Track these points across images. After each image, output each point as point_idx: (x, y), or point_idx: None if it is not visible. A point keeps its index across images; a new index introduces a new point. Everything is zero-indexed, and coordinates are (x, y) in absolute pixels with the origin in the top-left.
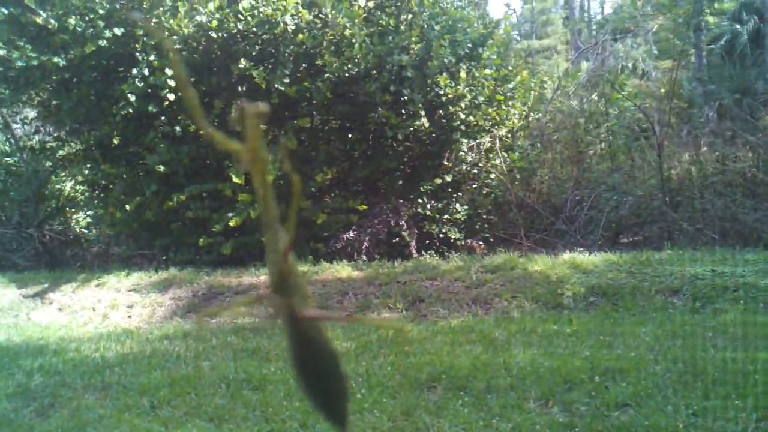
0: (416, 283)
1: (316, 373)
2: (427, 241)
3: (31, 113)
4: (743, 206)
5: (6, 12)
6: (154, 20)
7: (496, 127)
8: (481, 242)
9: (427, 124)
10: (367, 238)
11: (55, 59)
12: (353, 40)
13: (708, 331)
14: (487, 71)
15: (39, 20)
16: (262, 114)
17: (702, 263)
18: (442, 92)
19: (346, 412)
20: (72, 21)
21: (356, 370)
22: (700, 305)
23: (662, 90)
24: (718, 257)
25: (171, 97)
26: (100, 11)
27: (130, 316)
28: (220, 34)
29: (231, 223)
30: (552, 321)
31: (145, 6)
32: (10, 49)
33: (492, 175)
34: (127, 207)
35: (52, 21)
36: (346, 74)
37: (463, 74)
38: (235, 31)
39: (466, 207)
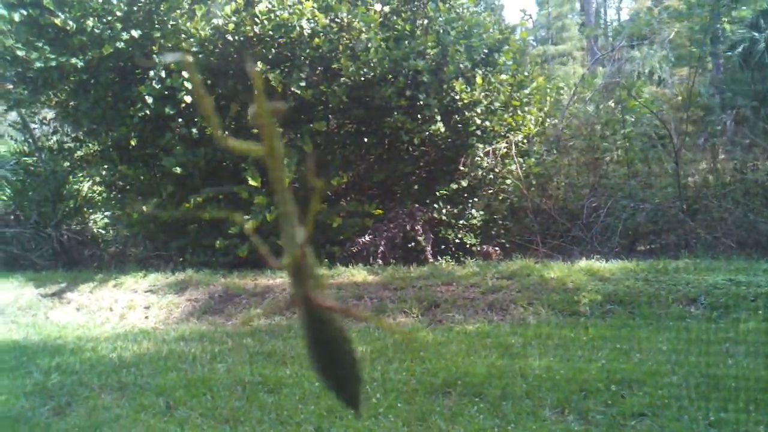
0: (432, 288)
1: (329, 355)
2: (443, 246)
3: (50, 114)
4: (761, 215)
5: (25, 13)
6: (171, 23)
7: (512, 132)
8: (496, 248)
9: (442, 129)
10: (382, 243)
11: (73, 60)
12: (369, 45)
13: (725, 341)
14: (503, 77)
15: (58, 22)
16: (278, 112)
17: (719, 272)
18: (457, 97)
19: (358, 394)
20: (90, 23)
21: (371, 374)
22: (718, 315)
23: (679, 97)
24: (736, 266)
25: (188, 99)
26: (118, 13)
27: (146, 317)
28: (236, 37)
29: (247, 226)
30: (568, 328)
31: (162, 9)
32: (29, 50)
33: (508, 181)
34: (144, 208)
35: (71, 22)
36: (362, 78)
37: (479, 79)
38: (251, 34)
39: (481, 212)
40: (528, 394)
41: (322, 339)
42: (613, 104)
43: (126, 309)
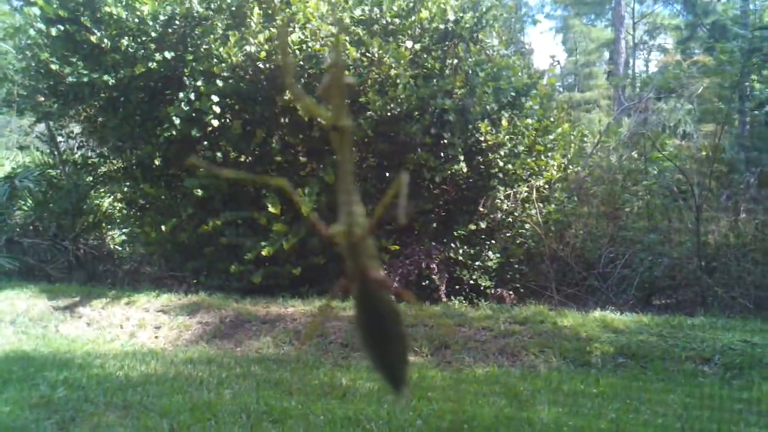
0: (443, 329)
1: (379, 332)
2: (457, 287)
3: (77, 128)
4: None
5: (62, 29)
6: (204, 47)
7: (533, 177)
8: (511, 292)
9: (465, 169)
10: (397, 279)
11: (105, 77)
12: (398, 81)
13: (738, 403)
14: (529, 121)
15: (93, 39)
16: (349, 85)
17: (735, 332)
18: (482, 138)
19: (405, 373)
20: (125, 41)
21: (377, 412)
22: (731, 376)
23: (703, 152)
24: (752, 327)
25: (215, 123)
26: (153, 34)
27: (156, 337)
28: (267, 65)
29: (263, 252)
30: (579, 379)
31: (196, 32)
32: (63, 64)
33: (527, 225)
34: (163, 228)
35: (106, 40)
36: (389, 114)
37: (504, 122)
38: (282, 63)
39: (498, 255)
40: None
41: (375, 315)
42: (636, 155)
43: (136, 327)
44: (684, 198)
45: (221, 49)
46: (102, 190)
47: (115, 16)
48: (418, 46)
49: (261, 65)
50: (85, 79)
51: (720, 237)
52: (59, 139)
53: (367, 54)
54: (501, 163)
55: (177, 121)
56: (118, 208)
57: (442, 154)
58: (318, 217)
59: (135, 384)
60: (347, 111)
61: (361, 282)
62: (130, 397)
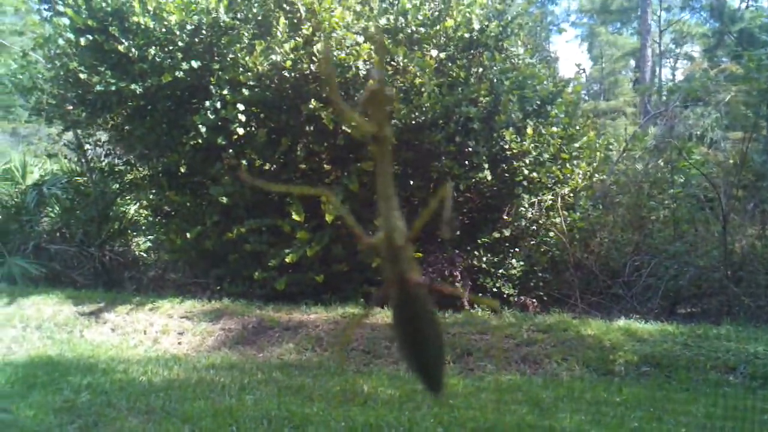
0: (466, 336)
1: (418, 334)
2: (480, 294)
3: (104, 136)
4: None
5: (91, 38)
6: (230, 56)
7: (558, 185)
8: (534, 300)
9: (489, 177)
10: None
11: (133, 86)
12: (423, 89)
13: (763, 413)
14: (554, 129)
15: (121, 48)
16: (390, 97)
17: (762, 342)
18: (507, 147)
19: (442, 376)
20: (152, 51)
21: (399, 418)
22: (758, 385)
23: (731, 161)
24: None
25: (240, 131)
26: (180, 44)
27: (180, 343)
28: (293, 74)
29: (287, 260)
30: (602, 387)
31: (222, 42)
32: (91, 73)
33: (551, 233)
34: (188, 235)
35: (134, 50)
36: (413, 122)
37: (529, 130)
38: (307, 72)
39: (522, 263)
40: None
41: (413, 317)
42: (662, 163)
43: (160, 333)
44: (711, 207)
45: (247, 58)
46: (128, 197)
47: (142, 26)
48: (443, 55)
49: (286, 74)
50: (113, 88)
51: (747, 246)
52: (87, 147)
53: (392, 63)
54: (526, 171)
55: (203, 129)
56: (143, 215)
57: (466, 162)
58: (355, 222)
59: (158, 389)
60: (388, 122)
61: (401, 287)
62: (153, 402)
